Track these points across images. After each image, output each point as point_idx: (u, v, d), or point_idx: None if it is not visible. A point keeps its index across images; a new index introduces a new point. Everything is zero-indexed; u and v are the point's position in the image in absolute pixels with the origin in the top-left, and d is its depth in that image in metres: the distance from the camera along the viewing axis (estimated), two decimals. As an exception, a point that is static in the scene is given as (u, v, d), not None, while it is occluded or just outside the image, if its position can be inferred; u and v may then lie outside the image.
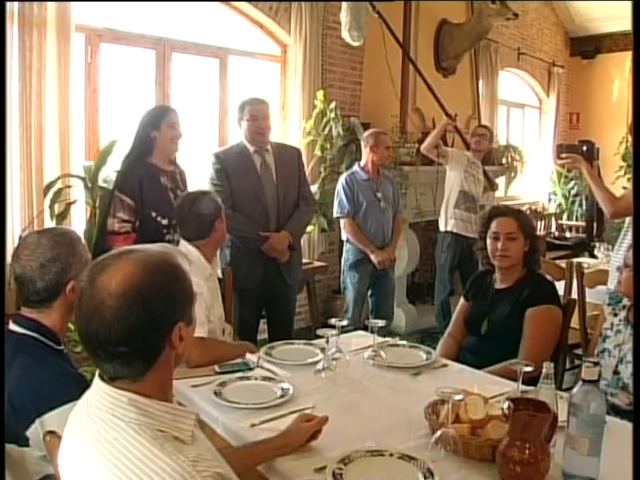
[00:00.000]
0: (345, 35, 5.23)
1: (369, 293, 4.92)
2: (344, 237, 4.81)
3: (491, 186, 5.98)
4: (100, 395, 1.22)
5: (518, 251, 2.78)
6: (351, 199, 4.64)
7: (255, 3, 5.34)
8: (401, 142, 5.84)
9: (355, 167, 4.81)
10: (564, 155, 3.61)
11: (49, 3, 3.93)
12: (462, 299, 3.07)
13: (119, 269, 1.21)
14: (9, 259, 3.62)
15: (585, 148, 3.59)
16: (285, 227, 3.75)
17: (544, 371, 1.80)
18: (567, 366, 4.02)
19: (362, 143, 4.84)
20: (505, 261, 2.79)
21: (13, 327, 1.91)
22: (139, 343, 1.20)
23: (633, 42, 3.36)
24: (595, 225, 9.16)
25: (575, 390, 1.68)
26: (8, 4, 3.76)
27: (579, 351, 3.99)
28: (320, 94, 5.47)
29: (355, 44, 5.32)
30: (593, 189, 3.51)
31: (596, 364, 1.67)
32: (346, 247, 4.84)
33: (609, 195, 3.44)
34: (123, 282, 1.19)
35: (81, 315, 1.21)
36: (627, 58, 8.81)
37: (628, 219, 3.55)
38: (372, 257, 4.66)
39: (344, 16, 5.16)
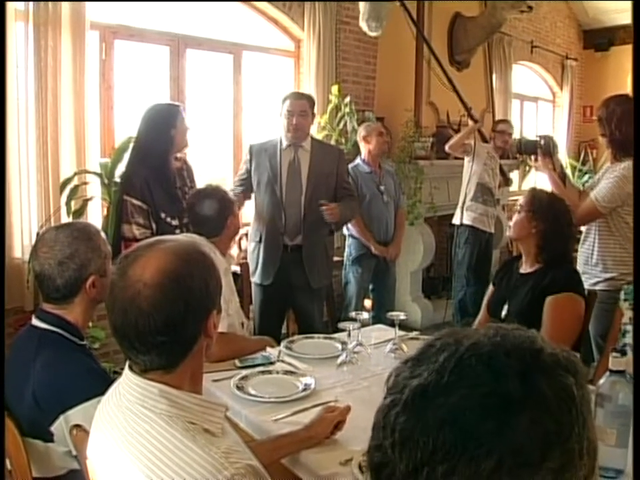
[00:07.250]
0: (363, 24, 5.13)
1: (370, 287, 4.92)
2: (345, 231, 4.79)
3: (506, 181, 5.97)
4: (130, 387, 1.22)
5: (523, 225, 2.72)
6: (355, 191, 4.62)
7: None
8: (415, 136, 5.81)
9: (358, 160, 4.81)
10: (532, 163, 3.63)
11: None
12: (491, 285, 3.01)
13: (152, 258, 1.21)
14: (15, 254, 3.72)
15: (542, 142, 3.55)
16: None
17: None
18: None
19: (357, 139, 4.86)
20: (510, 231, 2.83)
21: (35, 322, 1.91)
22: (177, 331, 1.20)
23: (633, 41, 3.30)
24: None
25: (602, 380, 1.66)
26: (23, 3, 3.77)
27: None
28: (334, 88, 5.45)
29: (373, 34, 5.23)
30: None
31: (623, 354, 1.66)
32: (348, 241, 4.84)
33: (572, 202, 3.16)
34: (158, 271, 1.18)
35: (115, 308, 1.21)
36: (641, 50, 8.71)
37: None
38: (377, 252, 4.66)
39: (362, 5, 5.08)
